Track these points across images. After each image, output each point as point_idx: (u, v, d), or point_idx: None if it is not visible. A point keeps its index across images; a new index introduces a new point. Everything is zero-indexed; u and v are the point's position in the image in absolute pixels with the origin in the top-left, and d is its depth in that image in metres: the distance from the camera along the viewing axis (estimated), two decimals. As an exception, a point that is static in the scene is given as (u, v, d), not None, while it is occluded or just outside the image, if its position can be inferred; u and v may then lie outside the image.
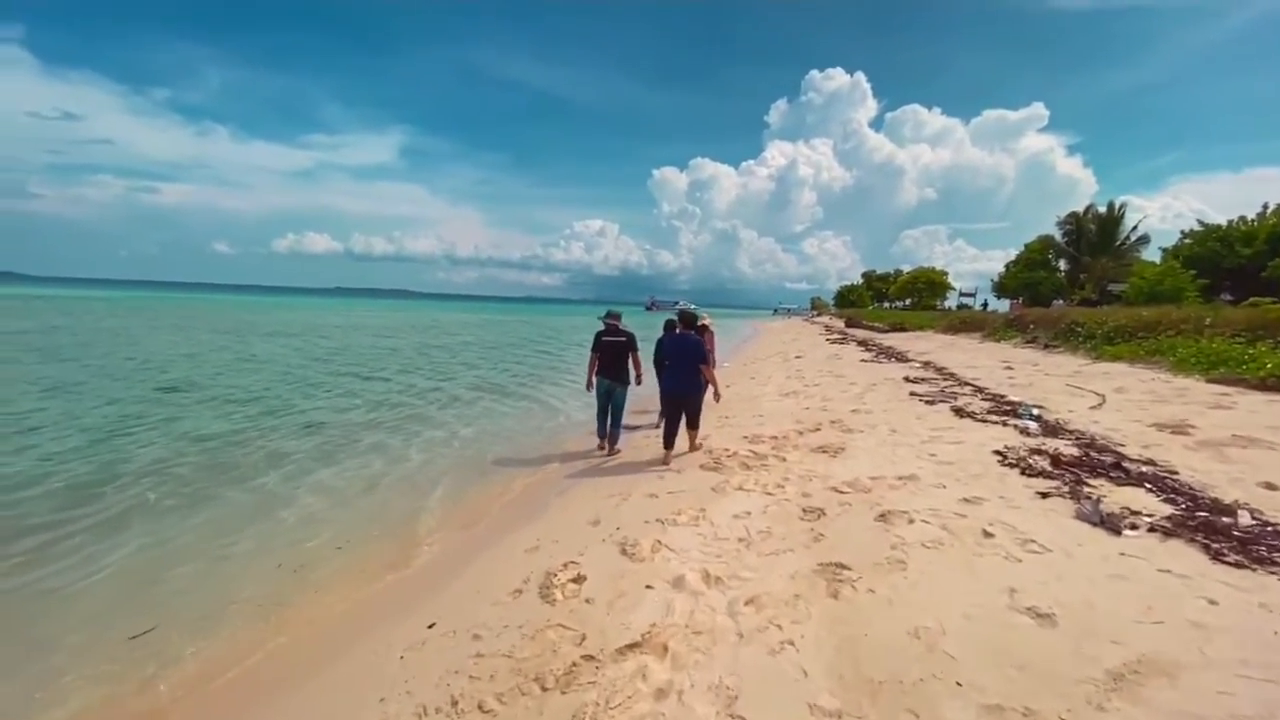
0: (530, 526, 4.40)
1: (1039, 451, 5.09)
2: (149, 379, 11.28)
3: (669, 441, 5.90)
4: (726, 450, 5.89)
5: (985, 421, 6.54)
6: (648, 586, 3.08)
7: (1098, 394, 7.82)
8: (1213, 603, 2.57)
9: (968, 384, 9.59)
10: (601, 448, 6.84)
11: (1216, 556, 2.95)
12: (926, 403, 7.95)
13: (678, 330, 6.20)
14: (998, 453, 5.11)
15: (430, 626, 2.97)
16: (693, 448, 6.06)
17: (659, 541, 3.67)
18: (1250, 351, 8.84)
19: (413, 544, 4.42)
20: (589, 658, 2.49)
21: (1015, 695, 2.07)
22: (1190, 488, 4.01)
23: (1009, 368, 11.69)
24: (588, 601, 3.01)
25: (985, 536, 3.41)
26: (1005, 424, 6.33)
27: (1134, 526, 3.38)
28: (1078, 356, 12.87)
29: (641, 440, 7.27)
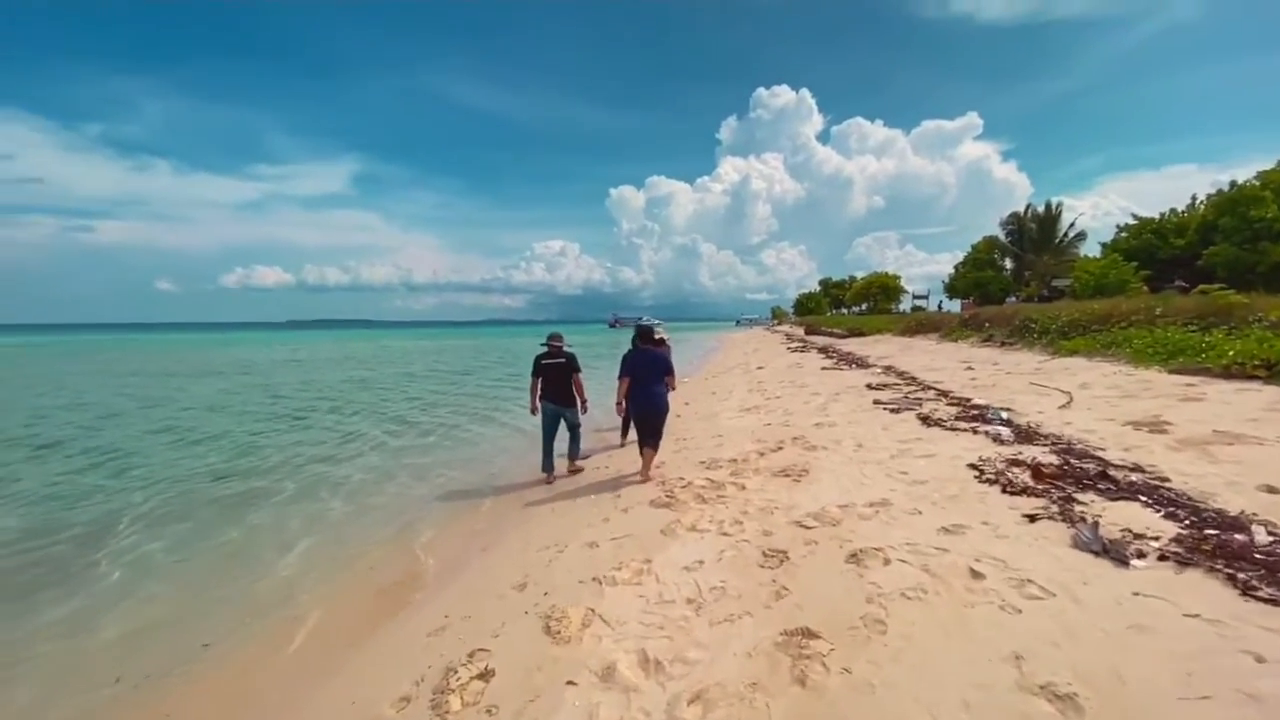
0: (442, 596, 3.68)
1: (1016, 462, 4.65)
2: (31, 438, 10.02)
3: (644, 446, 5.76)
4: (681, 480, 5.29)
5: (954, 430, 6.11)
6: (569, 683, 2.42)
7: (1064, 391, 7.55)
8: (1260, 660, 2.06)
9: (931, 388, 9.27)
10: (547, 481, 6.31)
11: (1246, 590, 2.47)
12: (891, 411, 7.53)
13: (639, 346, 5.89)
14: (973, 466, 4.65)
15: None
16: (646, 475, 5.62)
17: (592, 611, 3.02)
18: (1206, 339, 8.77)
19: (292, 630, 3.62)
20: (475, 813, 1.82)
21: (1048, 838, 1.49)
22: (1189, 498, 3.58)
23: (970, 368, 11.49)
24: (489, 712, 2.32)
25: (974, 578, 2.87)
26: (975, 431, 5.92)
27: (1141, 554, 2.90)
28: (1035, 352, 12.81)
29: (589, 470, 6.64)
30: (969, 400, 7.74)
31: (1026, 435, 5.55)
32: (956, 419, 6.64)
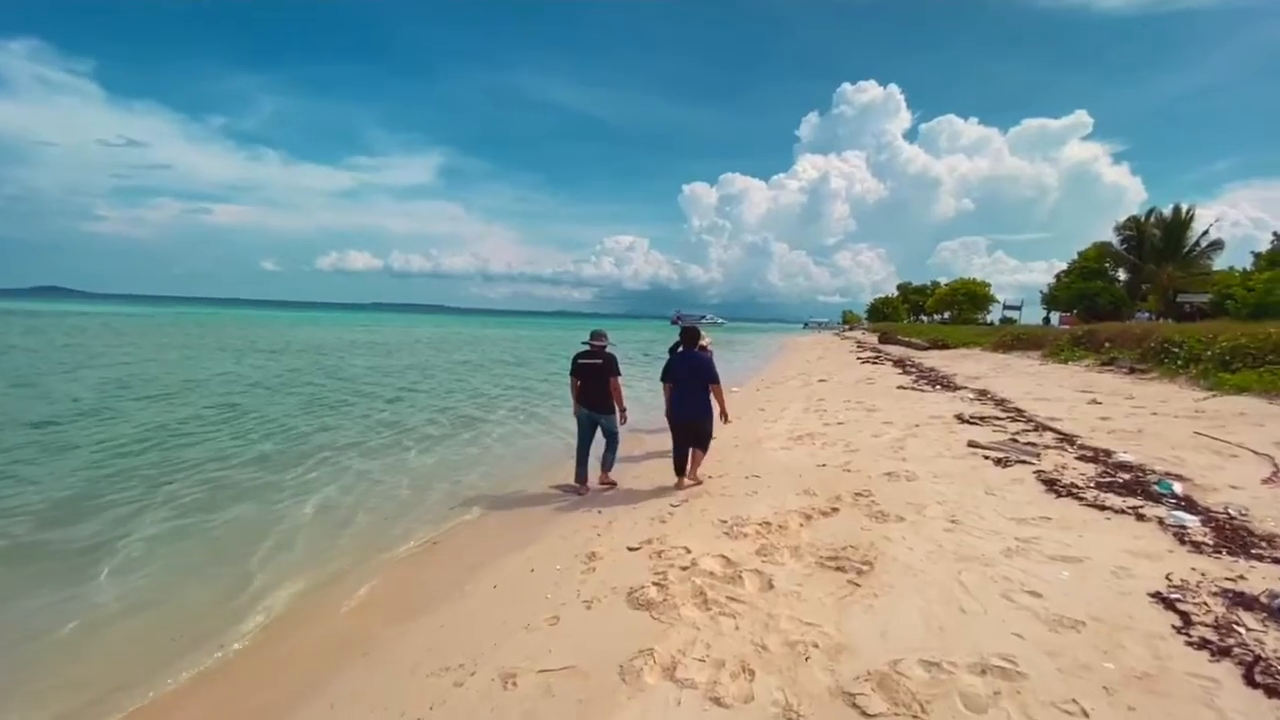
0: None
1: (1240, 599, 2.73)
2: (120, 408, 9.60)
3: (680, 468, 5.48)
4: (683, 554, 3.70)
5: (1102, 507, 4.15)
6: None
7: (1259, 454, 5.32)
8: None
9: (1047, 428, 7.12)
10: (579, 491, 5.70)
11: None
12: (996, 462, 5.56)
13: (681, 348, 5.57)
14: (1164, 602, 2.77)
15: None
16: (694, 477, 5.44)
17: None
18: None
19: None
20: None
21: None
22: None
23: (1095, 401, 9.10)
24: None
25: None
26: (1139, 515, 3.95)
27: None
28: (1180, 385, 10.16)
29: (578, 508, 5.19)
30: (1109, 454, 5.64)
31: (1231, 534, 3.54)
32: (1098, 485, 4.65)
